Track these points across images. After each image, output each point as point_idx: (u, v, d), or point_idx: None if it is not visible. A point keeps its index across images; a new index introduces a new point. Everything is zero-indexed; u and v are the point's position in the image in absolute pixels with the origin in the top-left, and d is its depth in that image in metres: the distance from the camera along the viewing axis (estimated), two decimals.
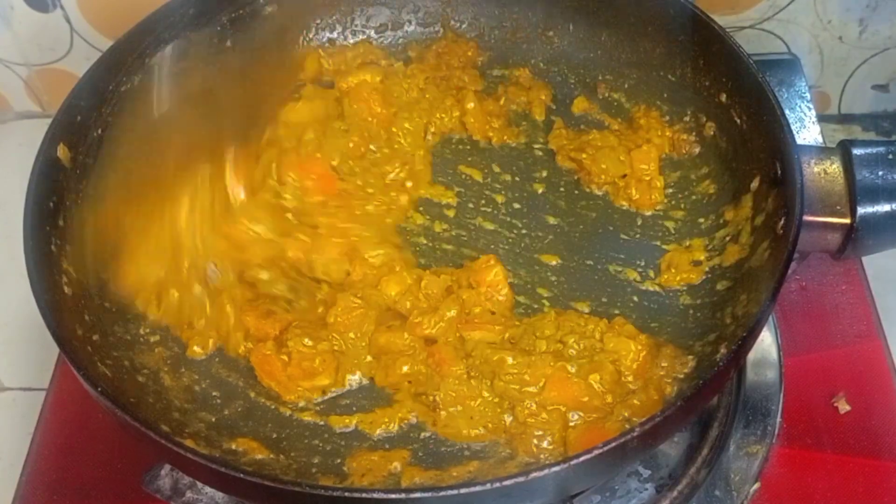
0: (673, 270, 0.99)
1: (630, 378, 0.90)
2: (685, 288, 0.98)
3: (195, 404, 0.92)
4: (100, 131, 1.00)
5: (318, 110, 1.10)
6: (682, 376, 0.90)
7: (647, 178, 1.04)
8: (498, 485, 0.71)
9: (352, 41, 1.19)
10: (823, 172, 0.92)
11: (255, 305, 0.97)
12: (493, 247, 1.03)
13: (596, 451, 0.73)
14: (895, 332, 1.06)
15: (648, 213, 1.04)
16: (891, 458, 0.97)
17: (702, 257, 1.00)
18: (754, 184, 0.97)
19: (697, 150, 1.07)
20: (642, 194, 1.04)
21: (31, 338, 1.18)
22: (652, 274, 1.00)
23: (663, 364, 0.91)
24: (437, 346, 0.93)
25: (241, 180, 0.99)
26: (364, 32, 1.19)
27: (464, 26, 1.19)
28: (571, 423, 0.88)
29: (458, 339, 0.94)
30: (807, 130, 1.23)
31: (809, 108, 1.25)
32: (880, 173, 0.90)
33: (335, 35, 1.18)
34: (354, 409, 0.92)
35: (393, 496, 0.73)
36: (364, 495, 0.73)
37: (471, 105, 1.11)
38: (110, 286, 0.96)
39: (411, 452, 0.89)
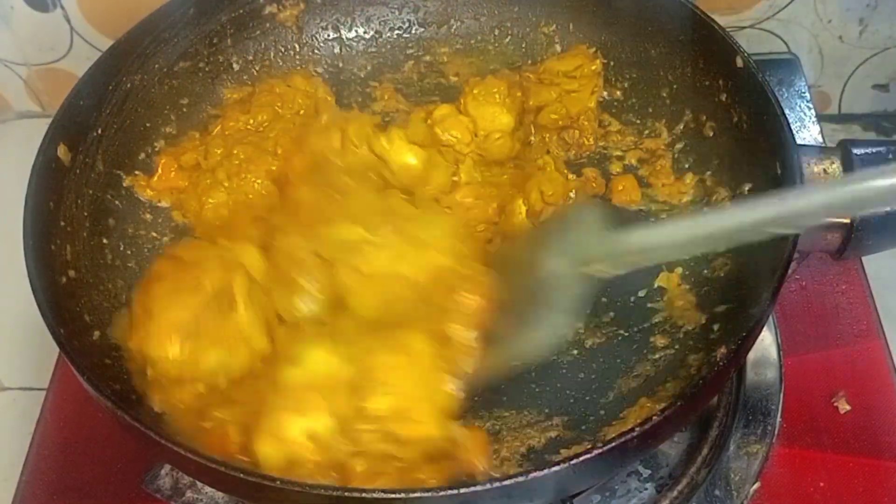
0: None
1: None
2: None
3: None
4: (99, 131, 1.00)
5: None
6: None
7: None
8: (498, 485, 0.71)
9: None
10: (823, 172, 0.92)
11: None
12: None
13: (596, 452, 0.73)
14: (895, 332, 1.06)
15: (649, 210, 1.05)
16: (891, 458, 0.97)
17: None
18: (748, 187, 0.98)
19: (698, 149, 1.07)
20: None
21: (31, 338, 1.18)
22: None
23: None
24: None
25: None
26: (364, 32, 1.19)
27: (464, 26, 1.19)
28: None
29: None
30: (807, 130, 1.23)
31: (809, 108, 1.25)
32: None
33: (335, 35, 1.19)
34: None
35: (392, 496, 0.73)
36: (364, 495, 0.73)
37: None
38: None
39: None
